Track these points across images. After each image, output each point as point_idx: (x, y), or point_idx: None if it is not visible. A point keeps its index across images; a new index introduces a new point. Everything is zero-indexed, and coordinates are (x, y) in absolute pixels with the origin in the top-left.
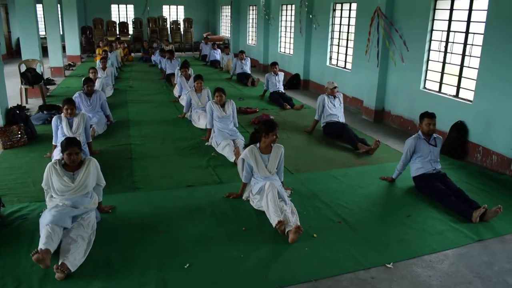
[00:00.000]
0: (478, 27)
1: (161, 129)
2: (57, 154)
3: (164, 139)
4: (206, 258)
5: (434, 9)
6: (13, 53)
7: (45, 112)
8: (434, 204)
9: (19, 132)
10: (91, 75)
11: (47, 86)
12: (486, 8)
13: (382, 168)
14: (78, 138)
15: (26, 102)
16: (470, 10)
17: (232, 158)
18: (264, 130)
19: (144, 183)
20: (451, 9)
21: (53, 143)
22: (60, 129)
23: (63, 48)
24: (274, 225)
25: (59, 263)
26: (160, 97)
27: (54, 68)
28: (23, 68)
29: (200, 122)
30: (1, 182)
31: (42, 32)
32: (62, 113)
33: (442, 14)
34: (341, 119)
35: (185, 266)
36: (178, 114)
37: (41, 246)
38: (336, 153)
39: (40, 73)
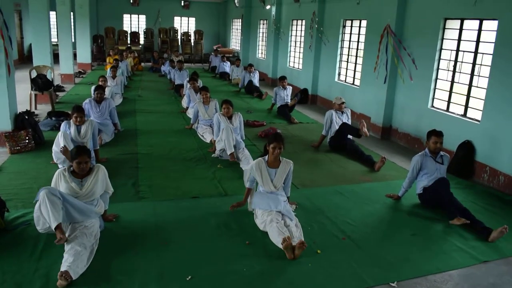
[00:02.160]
0: (487, 47)
1: (168, 139)
2: (57, 157)
3: (170, 150)
4: (208, 271)
5: (444, 28)
6: (25, 59)
7: (53, 118)
8: (440, 223)
9: (27, 138)
10: (101, 83)
11: (57, 93)
12: (496, 29)
13: (388, 185)
14: (86, 145)
15: (35, 108)
16: (480, 30)
17: (229, 151)
18: (268, 141)
19: (149, 193)
20: (461, 29)
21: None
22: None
23: (74, 55)
24: (280, 246)
25: (62, 271)
26: (168, 107)
27: (64, 75)
28: (34, 74)
29: (206, 137)
30: (7, 187)
31: (54, 39)
32: (71, 120)
33: (451, 34)
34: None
35: (187, 278)
36: (185, 125)
37: (54, 222)
38: (342, 169)
39: (51, 80)
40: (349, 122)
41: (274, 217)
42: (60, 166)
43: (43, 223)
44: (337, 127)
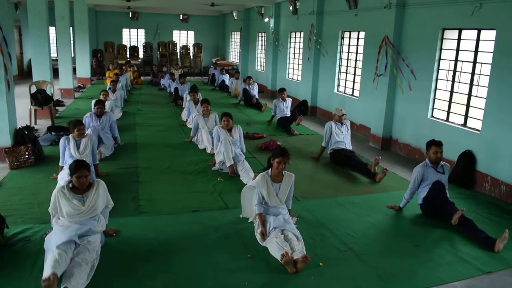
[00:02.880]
0: (485, 57)
1: (168, 153)
2: (61, 177)
3: (170, 163)
4: (210, 285)
5: (442, 38)
6: (25, 74)
7: (53, 133)
8: (442, 234)
9: (27, 153)
10: (102, 97)
11: (57, 108)
12: (494, 38)
13: (389, 196)
14: (85, 160)
15: (35, 123)
16: (478, 40)
17: (228, 163)
18: (273, 155)
19: (150, 207)
20: (459, 39)
21: (60, 164)
22: (67, 150)
23: (74, 70)
24: (280, 260)
25: (62, 287)
26: (168, 120)
27: (64, 90)
28: (34, 89)
29: (204, 142)
30: (7, 203)
31: (53, 54)
32: (70, 134)
33: (449, 44)
34: (348, 146)
35: None
36: (185, 138)
37: (49, 271)
38: (343, 181)
39: (50, 95)
40: (349, 134)
41: (274, 233)
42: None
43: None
44: (336, 139)
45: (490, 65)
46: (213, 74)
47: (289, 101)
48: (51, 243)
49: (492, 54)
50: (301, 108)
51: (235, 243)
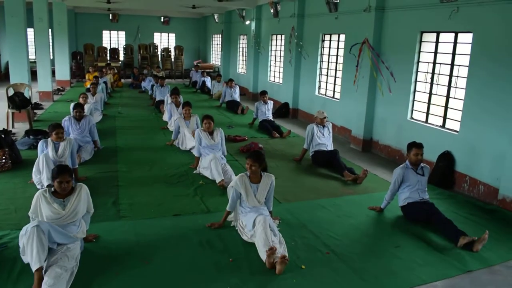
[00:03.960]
0: (463, 59)
1: (149, 156)
2: (37, 178)
3: (151, 167)
4: None
5: (421, 41)
6: (2, 76)
7: (31, 137)
8: (423, 234)
9: (4, 157)
10: (81, 101)
11: (35, 111)
12: (471, 41)
13: (370, 197)
14: (64, 163)
15: (13, 127)
16: (455, 43)
17: (218, 179)
18: (246, 157)
19: (130, 212)
20: (437, 42)
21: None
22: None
23: (53, 72)
24: (264, 259)
25: None
26: (149, 123)
27: (42, 93)
28: (11, 92)
29: (186, 141)
30: None
31: (32, 56)
32: (49, 138)
33: (428, 47)
34: (330, 148)
35: None
36: (166, 141)
37: (36, 264)
38: (325, 182)
39: (28, 98)
40: (331, 136)
41: (261, 225)
42: (38, 187)
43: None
44: (318, 141)
45: (467, 67)
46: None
47: (270, 103)
48: (28, 227)
49: (469, 56)
50: (283, 111)
51: (217, 247)
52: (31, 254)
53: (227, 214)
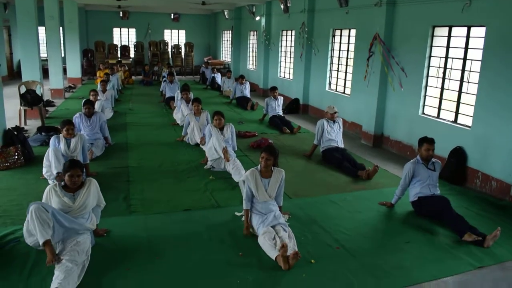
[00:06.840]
0: (475, 54)
1: (160, 152)
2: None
3: (162, 162)
4: (202, 284)
5: (432, 35)
6: (15, 74)
7: (43, 133)
8: (433, 230)
9: (16, 154)
10: (91, 97)
11: (47, 108)
12: (484, 35)
13: (381, 193)
14: (76, 158)
15: (25, 124)
16: (468, 37)
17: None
18: (260, 152)
19: (141, 207)
20: (449, 36)
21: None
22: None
23: (64, 70)
24: (273, 257)
25: None
26: (159, 120)
27: (54, 90)
28: (23, 89)
29: (196, 137)
30: None
31: (43, 54)
32: (61, 134)
33: (440, 41)
34: (340, 144)
35: None
36: (177, 137)
37: (42, 238)
38: (335, 178)
39: (40, 95)
40: (341, 132)
41: (263, 230)
42: (50, 181)
43: (32, 239)
44: (328, 137)
45: (480, 62)
46: (203, 73)
47: (280, 99)
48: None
49: (482, 51)
50: (293, 106)
51: (226, 241)
52: (35, 231)
53: (247, 213)
